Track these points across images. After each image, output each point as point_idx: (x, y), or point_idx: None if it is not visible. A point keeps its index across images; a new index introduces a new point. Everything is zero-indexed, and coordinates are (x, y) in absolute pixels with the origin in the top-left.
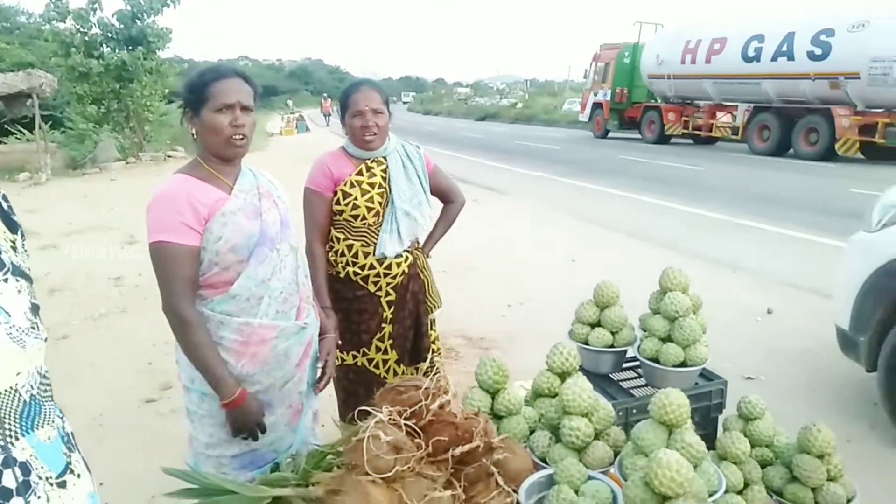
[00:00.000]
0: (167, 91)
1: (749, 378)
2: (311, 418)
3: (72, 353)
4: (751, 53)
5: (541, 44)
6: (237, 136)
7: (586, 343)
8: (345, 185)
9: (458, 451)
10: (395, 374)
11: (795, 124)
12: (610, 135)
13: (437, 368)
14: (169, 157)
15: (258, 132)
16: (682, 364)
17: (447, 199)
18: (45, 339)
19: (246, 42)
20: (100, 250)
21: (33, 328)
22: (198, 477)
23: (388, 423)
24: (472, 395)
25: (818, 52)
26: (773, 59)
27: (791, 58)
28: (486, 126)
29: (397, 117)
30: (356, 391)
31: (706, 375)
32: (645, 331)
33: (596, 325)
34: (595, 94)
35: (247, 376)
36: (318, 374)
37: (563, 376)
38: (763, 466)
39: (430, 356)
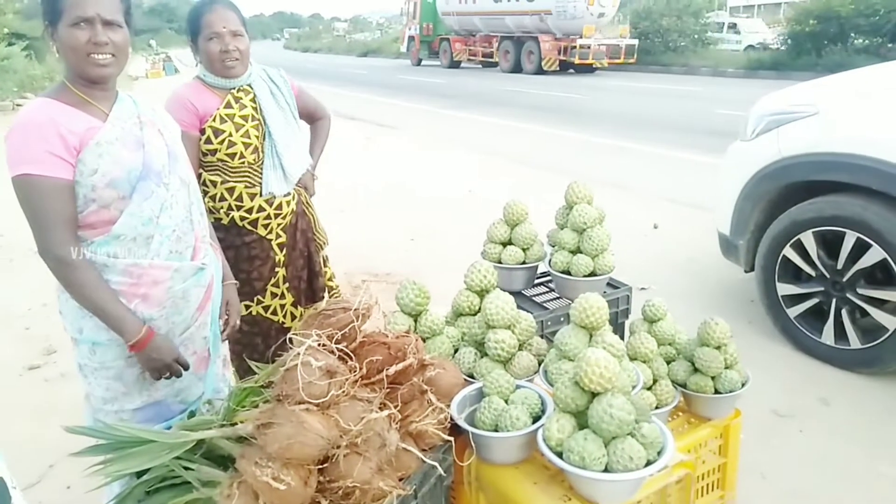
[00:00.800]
0: (6, 31)
1: (643, 288)
2: (220, 365)
3: None
4: None
5: None
6: (99, 56)
7: (499, 262)
8: (213, 120)
9: (393, 370)
10: (294, 318)
11: (522, 48)
12: (423, 63)
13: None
14: (18, 105)
15: (121, 75)
16: (592, 274)
17: (315, 116)
18: None
19: None
20: None
21: None
22: (107, 430)
23: (319, 348)
24: (394, 320)
25: None
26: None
27: None
28: (370, 62)
29: (275, 56)
30: (252, 342)
31: (612, 284)
32: (554, 245)
33: (507, 243)
34: (410, 29)
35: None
36: (222, 324)
37: (482, 294)
38: (668, 363)
39: (325, 295)
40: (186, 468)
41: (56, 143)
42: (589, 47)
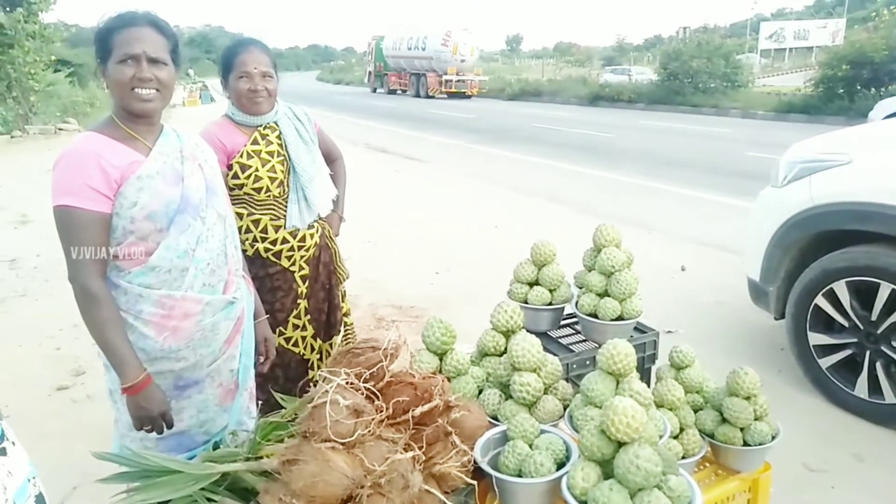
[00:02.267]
0: (53, 58)
1: (669, 332)
2: (246, 399)
3: None
4: (412, 45)
5: (440, 10)
6: (143, 91)
7: (525, 302)
8: (240, 156)
9: (419, 411)
10: (313, 349)
11: (420, 80)
12: (377, 91)
13: (354, 336)
14: (60, 129)
15: None
16: (619, 318)
17: (331, 157)
18: None
19: (140, 7)
20: None
21: None
22: (134, 458)
23: (346, 386)
24: (420, 358)
25: (423, 46)
26: (410, 49)
27: (420, 49)
28: (359, 89)
29: (307, 86)
30: (273, 374)
31: (639, 328)
32: (581, 287)
33: (534, 283)
34: (369, 66)
35: (169, 351)
36: (261, 359)
37: (508, 334)
38: (695, 411)
39: (342, 329)
40: (210, 500)
41: (97, 176)
42: (452, 81)
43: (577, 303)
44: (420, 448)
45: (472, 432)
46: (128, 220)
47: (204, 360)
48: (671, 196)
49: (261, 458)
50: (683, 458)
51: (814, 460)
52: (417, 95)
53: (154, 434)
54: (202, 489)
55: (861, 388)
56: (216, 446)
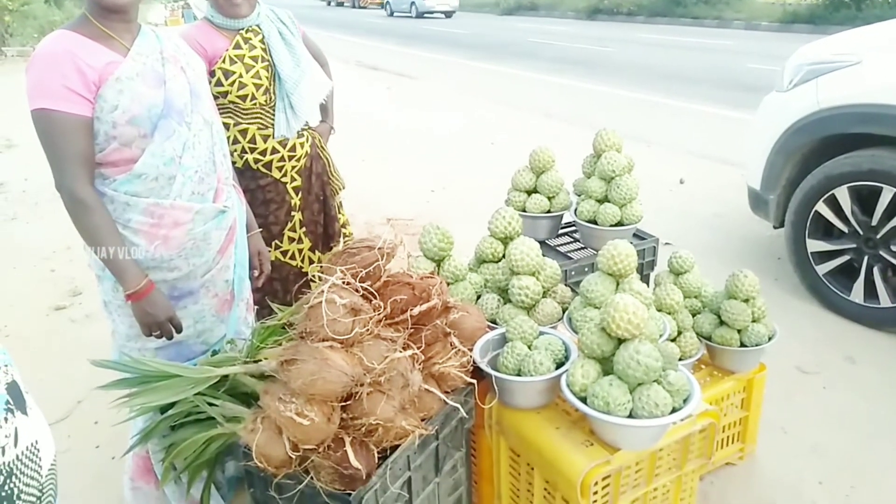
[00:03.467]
0: None
1: (667, 244)
2: (243, 308)
3: None
4: None
5: None
6: None
7: (524, 210)
8: (223, 62)
9: (417, 310)
10: (311, 262)
11: None
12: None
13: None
14: None
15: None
16: (619, 224)
17: (318, 62)
18: None
19: None
20: None
21: None
22: (133, 364)
23: (343, 285)
24: (416, 265)
25: None
26: None
27: None
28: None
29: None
30: (272, 288)
31: (639, 235)
32: (580, 194)
33: (532, 191)
34: None
35: (161, 261)
36: (255, 274)
37: (506, 241)
38: (693, 315)
39: (341, 240)
40: (210, 404)
41: (74, 78)
42: None
43: (576, 210)
44: (419, 348)
45: (470, 333)
46: (109, 125)
47: (197, 270)
48: (671, 110)
49: (259, 360)
50: (680, 360)
51: (807, 363)
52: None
53: (153, 344)
54: (202, 394)
55: (857, 294)
56: (214, 354)
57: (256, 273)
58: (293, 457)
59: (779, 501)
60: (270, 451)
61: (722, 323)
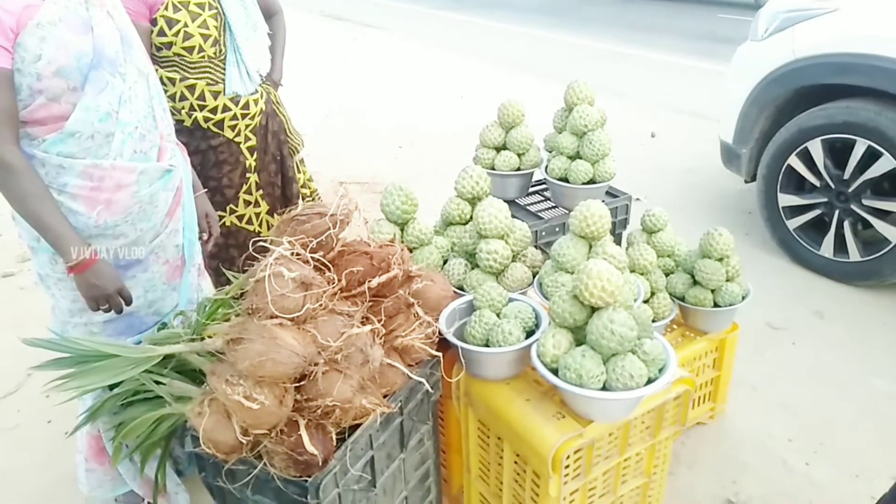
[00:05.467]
0: None
1: (637, 199)
2: (195, 275)
3: None
4: None
5: None
6: None
7: (492, 168)
8: (165, 8)
9: (375, 282)
10: (270, 226)
11: None
12: None
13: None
14: None
15: None
16: (591, 181)
17: (269, 11)
18: None
19: None
20: None
21: None
22: (68, 344)
23: (292, 257)
24: (379, 228)
25: None
26: None
27: None
28: None
29: None
30: (229, 255)
31: (611, 192)
32: (551, 151)
33: (502, 148)
34: None
35: (105, 228)
36: (206, 237)
37: (473, 201)
38: (666, 275)
39: (301, 201)
40: (158, 382)
41: None
42: None
43: (546, 167)
44: (380, 321)
45: (436, 303)
46: (33, 78)
47: (145, 235)
48: (641, 61)
49: (204, 338)
50: (653, 321)
51: (776, 319)
52: None
53: (100, 318)
54: (149, 371)
55: (827, 248)
56: (163, 327)
57: (206, 236)
58: (244, 442)
59: (749, 460)
60: (219, 436)
61: (695, 283)
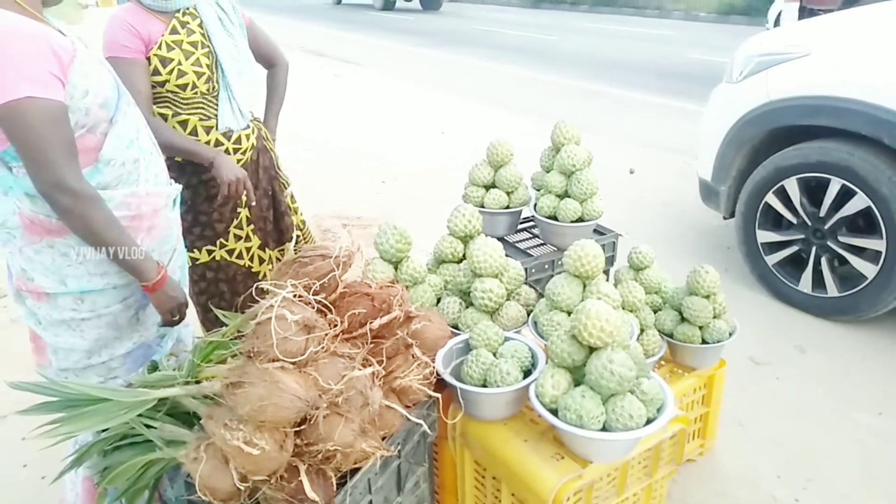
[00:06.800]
0: None
1: (620, 235)
2: (190, 299)
3: None
4: None
5: None
6: None
7: (482, 206)
8: (159, 48)
9: (377, 323)
10: (262, 261)
11: None
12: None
13: (312, 240)
14: None
15: (68, 4)
16: (579, 219)
17: (271, 61)
18: None
19: None
20: None
21: None
22: (56, 387)
23: (294, 299)
24: (374, 267)
25: None
26: None
27: None
28: None
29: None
30: (218, 290)
31: (598, 230)
32: (539, 189)
33: (491, 186)
34: None
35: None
36: None
37: (466, 240)
38: (654, 312)
39: (294, 235)
40: (148, 426)
41: (52, 60)
42: None
43: (535, 205)
44: (379, 362)
45: (433, 343)
46: (82, 113)
47: (164, 257)
48: (615, 99)
49: (200, 381)
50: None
51: (759, 353)
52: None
53: (121, 350)
54: (140, 415)
55: (805, 283)
56: (154, 367)
57: None
58: (241, 489)
59: (740, 496)
60: (216, 482)
61: (683, 320)
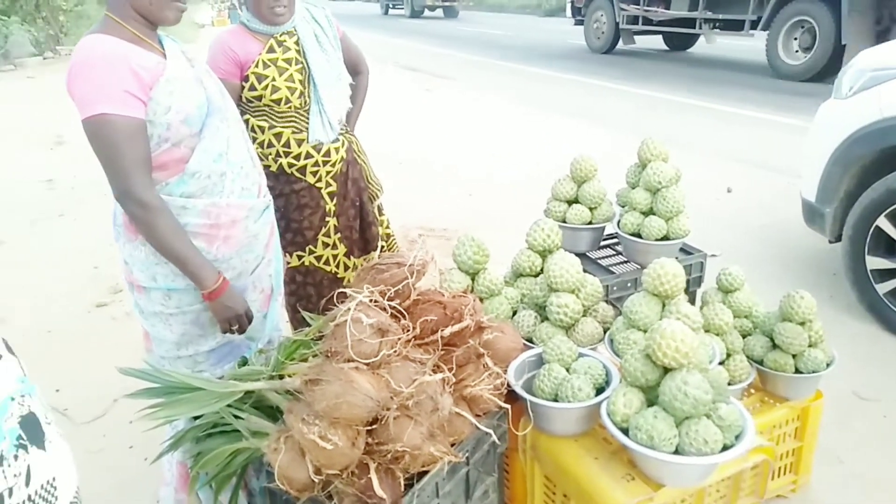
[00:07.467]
0: None
1: (713, 255)
2: (280, 303)
3: (9, 260)
4: None
5: None
6: (181, 2)
7: (564, 221)
8: (255, 66)
9: (448, 331)
10: (346, 268)
11: None
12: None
13: (397, 250)
14: None
15: (186, 23)
16: (665, 238)
17: (357, 69)
18: None
19: None
20: (25, 153)
21: None
22: (159, 375)
23: (370, 304)
24: (450, 277)
25: None
26: None
27: None
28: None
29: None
30: (306, 293)
31: (685, 249)
32: (624, 205)
33: (573, 201)
34: None
35: (221, 261)
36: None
37: (544, 254)
38: (743, 337)
39: (380, 245)
40: (236, 416)
41: (130, 80)
42: None
43: (619, 222)
44: (450, 370)
45: (505, 354)
46: (164, 127)
47: (248, 266)
48: (710, 113)
49: (283, 377)
50: (729, 384)
51: (865, 388)
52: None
53: (205, 347)
54: (229, 406)
55: None
56: (244, 363)
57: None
58: (316, 481)
59: None
60: (293, 473)
61: (775, 346)
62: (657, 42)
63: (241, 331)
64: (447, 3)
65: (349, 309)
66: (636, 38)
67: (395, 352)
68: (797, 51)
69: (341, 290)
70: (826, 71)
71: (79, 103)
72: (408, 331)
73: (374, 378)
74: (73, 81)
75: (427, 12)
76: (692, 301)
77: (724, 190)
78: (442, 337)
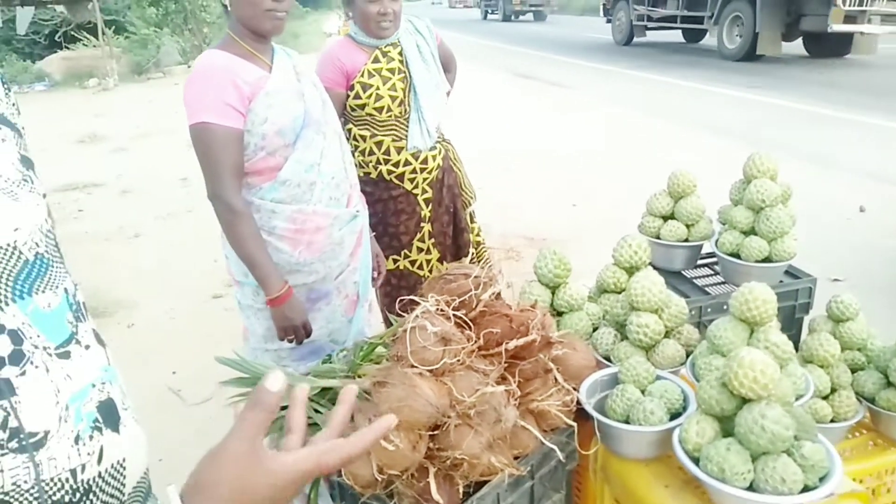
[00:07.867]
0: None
1: (836, 280)
2: (366, 309)
3: (144, 251)
4: None
5: None
6: (279, 12)
7: (657, 237)
8: (361, 76)
9: (512, 344)
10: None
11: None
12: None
13: (486, 258)
14: None
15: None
16: (767, 260)
17: (447, 67)
18: (45, 196)
19: None
20: (166, 153)
21: (25, 181)
22: (247, 366)
23: (436, 313)
24: (529, 290)
25: None
26: None
27: None
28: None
29: (418, 11)
30: (400, 295)
31: (792, 273)
32: (724, 223)
33: (669, 217)
34: None
35: (303, 265)
36: (375, 275)
37: (631, 271)
38: (854, 371)
39: (472, 251)
40: (317, 411)
41: (231, 92)
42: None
43: (717, 241)
44: (517, 383)
45: (576, 371)
46: (259, 137)
47: (332, 272)
48: (849, 125)
49: (356, 376)
50: (832, 421)
51: None
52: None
53: (287, 345)
54: (312, 399)
55: None
56: (327, 360)
57: (375, 274)
58: (378, 479)
59: None
60: (358, 469)
61: (890, 384)
62: (676, 36)
63: (298, 341)
64: (535, 8)
65: (417, 316)
66: (647, 33)
67: (458, 360)
68: (737, 37)
69: (411, 297)
70: (750, 52)
71: (187, 111)
72: (471, 341)
73: (436, 385)
74: (185, 91)
75: (518, 16)
76: (799, 329)
77: (855, 209)
78: (506, 350)
